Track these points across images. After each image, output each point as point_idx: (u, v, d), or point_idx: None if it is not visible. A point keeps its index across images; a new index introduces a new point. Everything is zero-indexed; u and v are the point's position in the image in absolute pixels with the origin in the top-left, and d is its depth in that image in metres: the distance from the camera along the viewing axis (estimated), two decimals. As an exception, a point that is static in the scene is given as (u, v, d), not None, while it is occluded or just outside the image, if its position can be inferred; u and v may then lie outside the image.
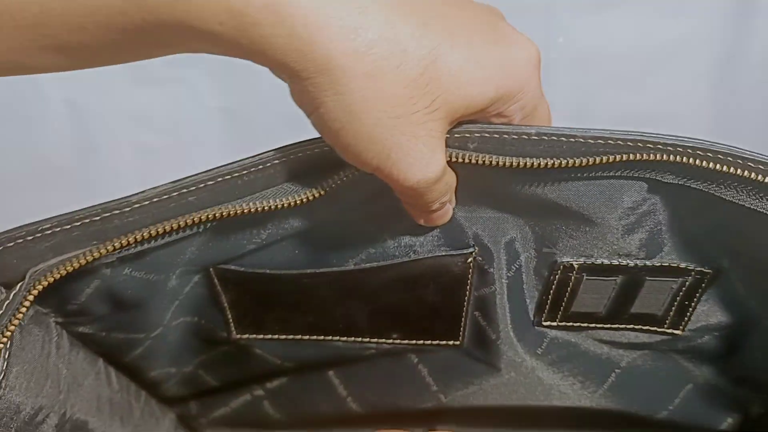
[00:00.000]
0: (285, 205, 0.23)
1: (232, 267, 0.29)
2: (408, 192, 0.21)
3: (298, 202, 0.23)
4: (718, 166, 0.24)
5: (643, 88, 0.59)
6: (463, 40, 0.20)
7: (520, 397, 0.35)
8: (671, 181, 0.25)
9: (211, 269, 0.29)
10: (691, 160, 0.24)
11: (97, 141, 0.59)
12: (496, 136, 0.23)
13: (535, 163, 0.23)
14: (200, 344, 0.34)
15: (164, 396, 0.37)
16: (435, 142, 0.20)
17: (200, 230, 0.25)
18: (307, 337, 0.33)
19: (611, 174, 0.26)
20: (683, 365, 0.34)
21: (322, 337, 0.33)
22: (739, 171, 0.24)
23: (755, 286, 0.29)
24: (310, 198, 0.23)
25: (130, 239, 0.23)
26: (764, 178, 0.23)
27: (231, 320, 0.32)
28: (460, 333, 0.33)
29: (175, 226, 0.23)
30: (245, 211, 0.23)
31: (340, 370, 0.36)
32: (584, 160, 0.24)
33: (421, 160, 0.20)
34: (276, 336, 0.33)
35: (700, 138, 0.24)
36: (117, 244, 0.23)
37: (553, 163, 0.23)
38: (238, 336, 0.33)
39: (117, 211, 0.23)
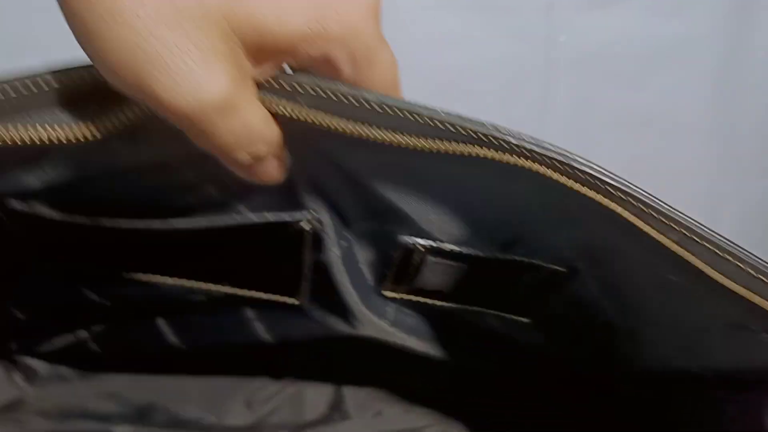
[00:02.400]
0: (69, 137, 0.19)
1: (19, 206, 0.26)
2: (187, 124, 0.18)
3: (85, 135, 0.19)
4: (575, 185, 0.22)
5: (644, 87, 0.59)
6: None
7: (367, 356, 0.34)
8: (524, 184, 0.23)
9: None
10: (548, 171, 0.21)
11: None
12: (331, 95, 0.20)
13: (378, 136, 0.21)
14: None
15: None
16: (207, 58, 0.16)
17: None
18: (126, 275, 0.30)
19: (460, 165, 0.22)
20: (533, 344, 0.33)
21: (143, 277, 0.30)
22: (593, 194, 0.22)
23: (609, 292, 0.28)
24: (95, 134, 0.19)
25: None
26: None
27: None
28: (299, 292, 0.31)
29: None
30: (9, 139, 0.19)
31: (170, 319, 0.34)
32: (433, 144, 0.21)
33: (189, 81, 0.16)
34: (90, 272, 0.30)
35: (563, 149, 0.22)
36: None
37: (399, 142, 0.21)
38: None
39: None
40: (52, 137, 0.19)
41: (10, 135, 0.18)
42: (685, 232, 0.21)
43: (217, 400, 0.37)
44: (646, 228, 0.21)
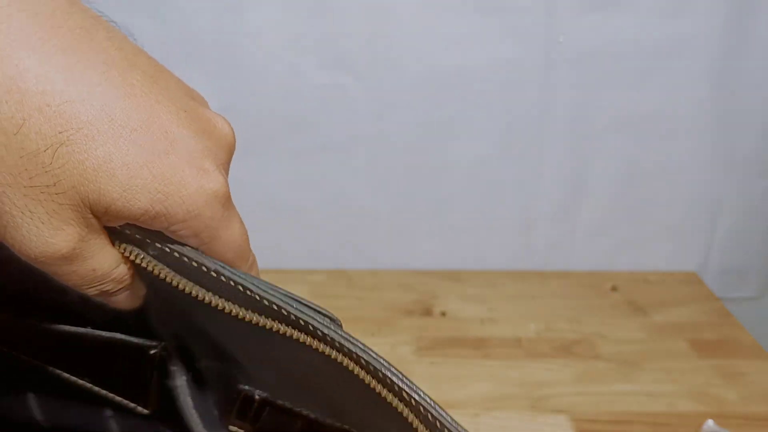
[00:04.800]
0: None
1: None
2: (40, 267, 0.20)
3: None
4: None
5: (643, 88, 0.59)
6: (113, 139, 0.19)
7: None
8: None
9: None
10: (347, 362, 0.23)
11: None
12: (176, 255, 0.22)
13: (210, 300, 0.23)
14: None
15: None
16: (57, 224, 0.19)
17: None
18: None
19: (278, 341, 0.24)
20: None
21: (8, 350, 0.32)
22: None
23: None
24: None
25: None
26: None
27: None
28: (149, 403, 0.32)
29: None
30: None
31: (38, 396, 0.36)
32: (255, 318, 0.23)
33: (37, 237, 0.19)
34: None
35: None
36: None
37: (230, 310, 0.23)
38: None
39: None
40: None
41: None
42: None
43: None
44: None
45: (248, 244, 0.24)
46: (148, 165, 0.20)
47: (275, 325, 0.23)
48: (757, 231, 0.66)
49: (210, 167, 0.21)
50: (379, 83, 0.58)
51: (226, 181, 0.22)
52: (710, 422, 0.45)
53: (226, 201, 0.22)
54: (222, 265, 0.23)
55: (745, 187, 0.64)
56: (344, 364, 0.23)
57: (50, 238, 0.19)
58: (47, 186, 0.18)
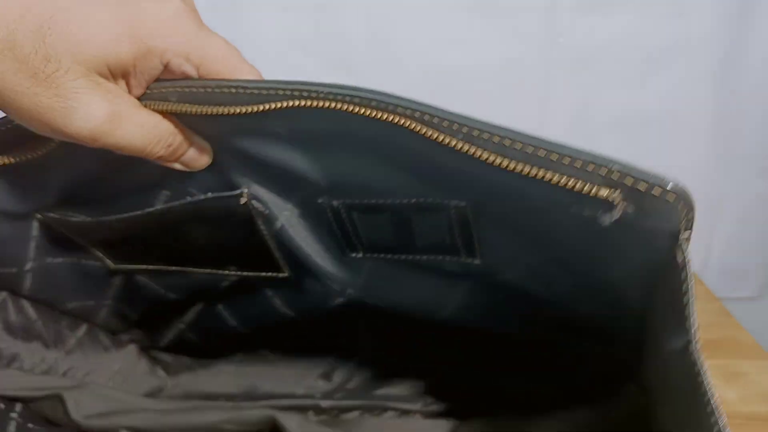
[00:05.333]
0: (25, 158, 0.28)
1: (52, 215, 0.33)
2: (98, 144, 0.24)
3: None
4: (375, 114, 0.24)
5: (643, 88, 0.59)
6: (77, 10, 0.23)
7: (367, 314, 0.38)
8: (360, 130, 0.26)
9: (38, 216, 0.33)
10: (347, 107, 0.24)
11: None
12: (187, 89, 0.25)
13: (223, 111, 0.25)
14: (97, 278, 0.38)
15: (112, 328, 0.43)
16: (82, 95, 0.23)
17: None
18: (166, 267, 0.36)
19: (307, 123, 0.26)
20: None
21: (179, 268, 0.36)
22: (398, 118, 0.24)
23: (503, 226, 0.28)
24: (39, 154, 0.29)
25: None
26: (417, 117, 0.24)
27: (101, 255, 0.36)
28: (280, 266, 0.35)
29: None
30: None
31: (224, 303, 0.40)
32: (260, 107, 0.25)
33: (76, 113, 0.23)
34: (143, 266, 0.37)
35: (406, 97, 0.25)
36: None
37: (237, 111, 0.25)
38: (116, 266, 0.37)
39: None
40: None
41: None
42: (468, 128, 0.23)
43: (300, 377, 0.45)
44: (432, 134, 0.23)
45: (240, 56, 0.27)
46: (115, 16, 0.23)
47: (276, 104, 0.25)
48: (757, 231, 0.66)
49: None
50: (379, 83, 0.58)
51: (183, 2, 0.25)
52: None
53: (195, 17, 0.26)
54: (219, 80, 0.25)
55: (745, 187, 0.64)
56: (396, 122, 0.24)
57: (86, 109, 0.23)
58: (56, 70, 0.22)
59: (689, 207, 0.21)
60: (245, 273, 0.36)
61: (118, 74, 0.24)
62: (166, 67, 0.25)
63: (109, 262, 0.37)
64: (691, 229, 0.22)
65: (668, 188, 0.21)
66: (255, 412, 0.41)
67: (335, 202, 0.30)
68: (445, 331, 0.37)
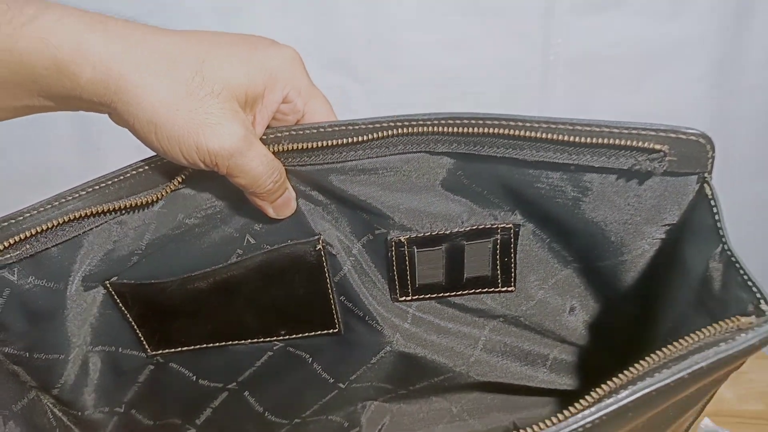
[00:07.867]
0: (145, 202, 0.31)
1: (124, 280, 0.33)
2: (230, 161, 0.28)
3: (155, 198, 0.31)
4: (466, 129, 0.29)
5: (642, 89, 0.59)
6: (224, 51, 0.28)
7: (400, 373, 0.40)
8: (443, 150, 0.31)
9: (107, 283, 0.33)
10: (441, 128, 0.30)
11: (100, 141, 0.60)
12: (301, 132, 0.30)
13: (333, 142, 0.30)
14: (125, 377, 0.37)
15: None
16: (227, 116, 0.27)
17: (80, 233, 0.31)
18: (209, 344, 0.37)
19: (396, 151, 0.31)
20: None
21: (222, 343, 0.37)
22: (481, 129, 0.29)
23: (555, 236, 0.34)
24: (162, 195, 0.31)
25: (16, 238, 0.28)
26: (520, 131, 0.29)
27: (142, 338, 0.36)
28: (335, 320, 0.37)
29: (50, 225, 0.29)
30: (111, 209, 0.30)
31: (251, 388, 0.40)
32: (365, 137, 0.30)
33: (223, 129, 0.27)
34: (184, 348, 0.37)
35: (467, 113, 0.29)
36: (6, 243, 0.28)
37: (346, 141, 0.30)
38: (153, 352, 0.37)
39: (12, 221, 0.28)
40: (145, 201, 0.31)
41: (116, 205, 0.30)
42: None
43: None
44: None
45: (332, 109, 0.33)
46: (250, 56, 0.29)
47: (376, 135, 0.30)
48: (756, 232, 0.66)
49: (279, 44, 0.30)
50: (379, 85, 0.58)
51: None
52: (707, 420, 0.45)
53: (304, 65, 0.31)
54: (331, 122, 0.31)
55: (744, 187, 0.64)
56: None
57: (228, 127, 0.27)
58: (209, 93, 0.27)
59: (713, 147, 0.31)
60: (295, 336, 0.38)
61: (250, 104, 0.29)
62: (283, 100, 0.30)
63: (146, 346, 0.36)
64: (712, 171, 0.31)
65: (699, 132, 0.30)
66: None
67: (402, 238, 0.34)
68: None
